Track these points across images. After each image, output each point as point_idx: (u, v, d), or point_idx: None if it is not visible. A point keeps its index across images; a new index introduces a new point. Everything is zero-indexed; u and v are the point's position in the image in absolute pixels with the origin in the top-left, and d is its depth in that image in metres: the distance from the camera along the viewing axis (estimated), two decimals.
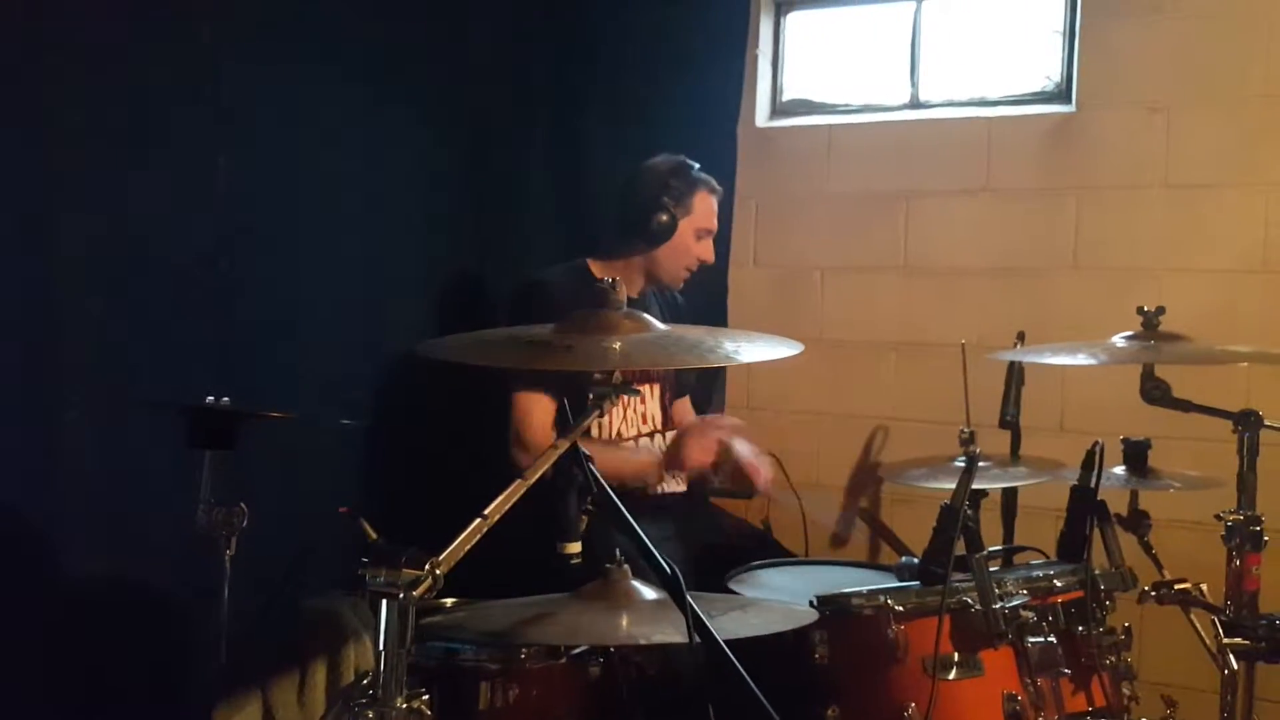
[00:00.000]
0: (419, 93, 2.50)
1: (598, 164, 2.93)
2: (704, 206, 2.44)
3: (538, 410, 2.23)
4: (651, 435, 2.49)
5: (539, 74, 2.89)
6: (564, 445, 1.30)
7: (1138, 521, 2.04)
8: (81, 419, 1.83)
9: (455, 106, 2.61)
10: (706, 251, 2.47)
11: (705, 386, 2.92)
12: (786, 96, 3.27)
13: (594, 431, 2.37)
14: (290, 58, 2.17)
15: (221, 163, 2.03)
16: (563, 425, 1.34)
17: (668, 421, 2.55)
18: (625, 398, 2.38)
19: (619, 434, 2.43)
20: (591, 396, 1.35)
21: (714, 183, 2.48)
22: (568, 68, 2.96)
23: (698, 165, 2.47)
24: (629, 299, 2.39)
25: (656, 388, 2.52)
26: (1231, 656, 1.82)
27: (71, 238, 1.83)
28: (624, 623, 1.44)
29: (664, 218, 2.38)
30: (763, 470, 2.40)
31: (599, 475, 1.35)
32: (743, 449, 2.51)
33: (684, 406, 2.72)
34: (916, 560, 1.75)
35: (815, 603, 1.68)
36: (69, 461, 1.83)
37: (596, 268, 2.45)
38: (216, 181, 2.03)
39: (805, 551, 2.60)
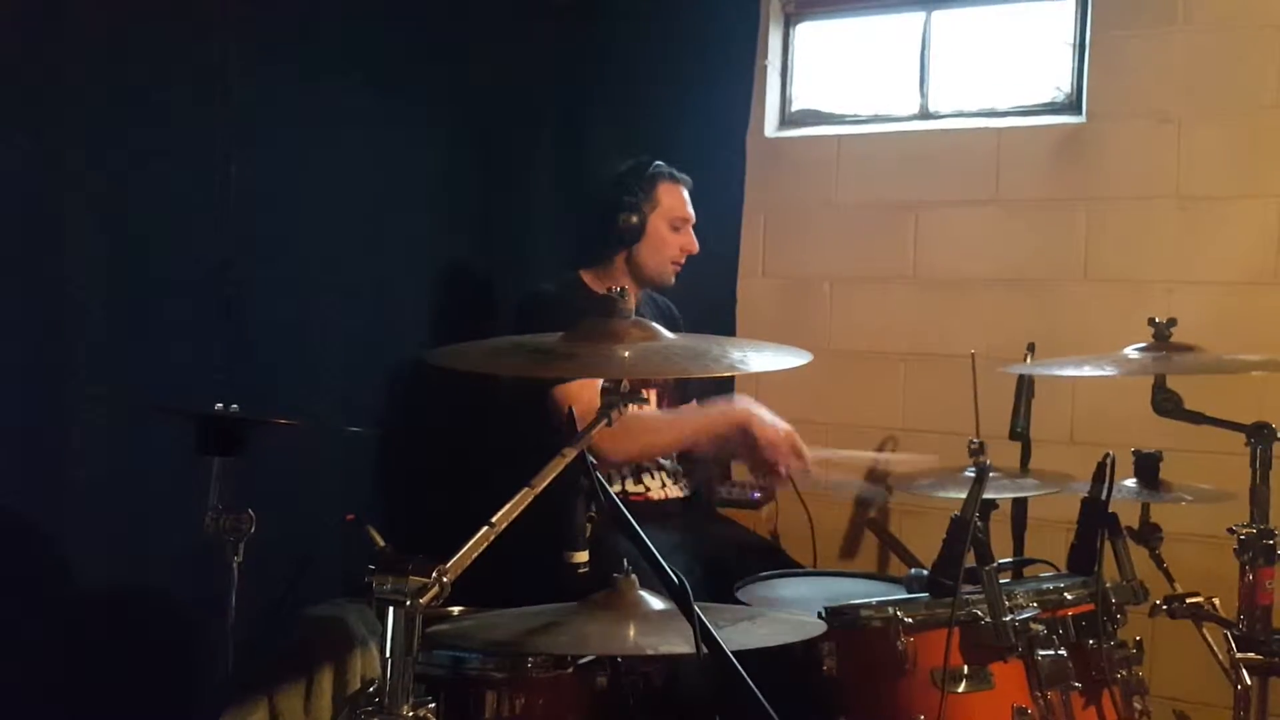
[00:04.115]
0: (427, 104, 2.51)
1: (605, 173, 2.93)
2: (670, 197, 2.45)
3: (575, 388, 2.15)
4: None
5: (546, 83, 2.90)
6: (572, 453, 1.30)
7: (1149, 534, 2.02)
8: (90, 425, 1.84)
9: (463, 114, 2.62)
10: (688, 241, 2.47)
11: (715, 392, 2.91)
12: (795, 107, 3.27)
13: None
14: (298, 64, 2.18)
15: (232, 169, 2.04)
16: (570, 433, 1.34)
17: None
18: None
19: None
20: (601, 404, 1.35)
21: (675, 173, 2.48)
22: (575, 77, 2.97)
23: (657, 161, 2.47)
24: None
25: (653, 393, 2.51)
26: (1244, 672, 1.80)
27: (81, 243, 1.84)
28: (631, 633, 1.43)
29: (632, 217, 2.40)
30: (786, 458, 2.35)
31: (607, 484, 1.35)
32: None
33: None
34: (926, 572, 1.74)
35: (824, 614, 1.67)
36: (77, 467, 1.84)
37: (588, 277, 2.47)
38: (226, 187, 2.04)
39: (813, 562, 2.59)
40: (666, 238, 2.44)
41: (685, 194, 2.49)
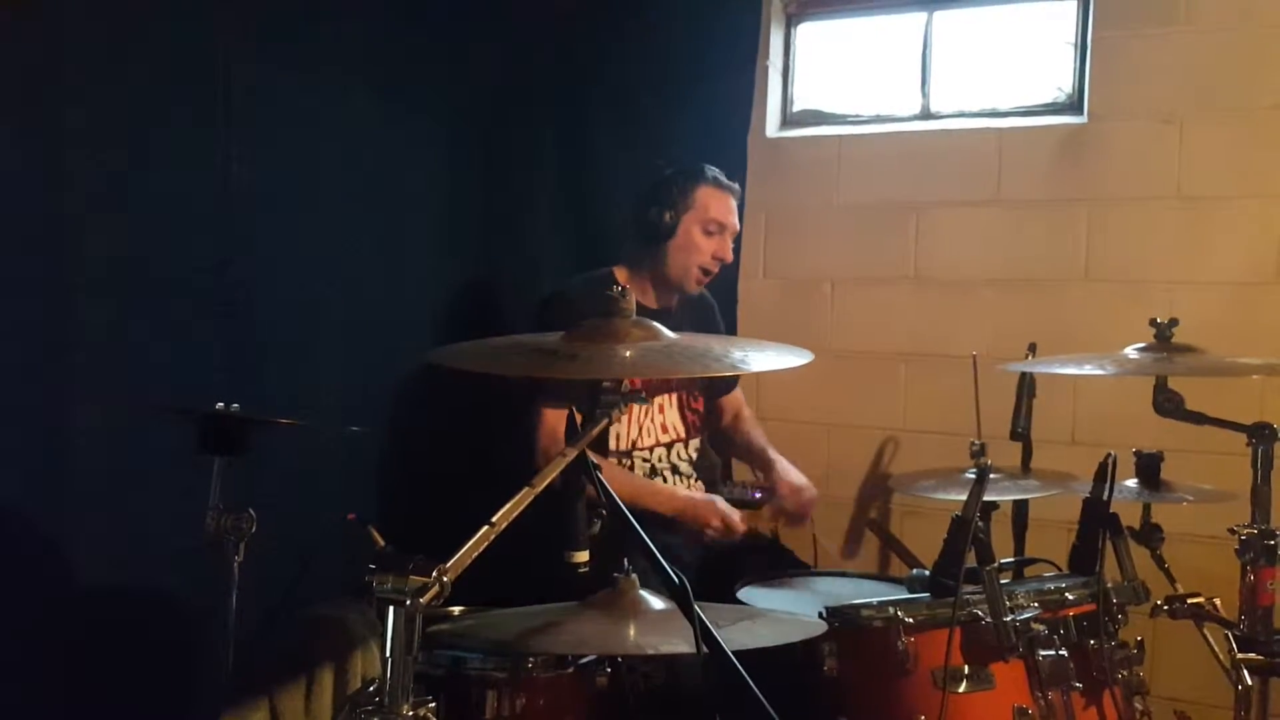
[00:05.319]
0: (429, 101, 2.51)
1: (607, 173, 2.93)
2: (709, 201, 2.42)
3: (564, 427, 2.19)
4: (670, 445, 2.49)
5: (546, 83, 2.90)
6: (573, 454, 1.29)
7: (1150, 535, 2.02)
8: (91, 424, 1.84)
9: (463, 114, 2.62)
10: (722, 249, 2.44)
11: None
12: (797, 107, 3.27)
13: (611, 442, 2.37)
14: (298, 64, 2.18)
15: (232, 168, 2.04)
16: (571, 433, 1.34)
17: (689, 430, 2.54)
18: (643, 408, 2.42)
19: (634, 444, 2.42)
20: (600, 404, 1.35)
21: (721, 179, 2.45)
22: (577, 76, 2.97)
23: (713, 168, 2.46)
24: (654, 312, 2.42)
25: (674, 397, 2.51)
26: (1245, 672, 1.80)
27: (82, 241, 1.84)
28: (631, 633, 1.43)
29: (665, 215, 2.39)
30: (806, 497, 2.42)
31: (608, 484, 1.35)
32: (784, 467, 2.50)
33: (736, 400, 2.71)
34: (927, 572, 1.73)
35: (825, 614, 1.67)
36: (78, 466, 1.84)
37: (622, 274, 2.45)
38: (226, 187, 2.04)
39: (815, 563, 2.59)
40: (697, 240, 2.41)
41: (731, 202, 2.46)
